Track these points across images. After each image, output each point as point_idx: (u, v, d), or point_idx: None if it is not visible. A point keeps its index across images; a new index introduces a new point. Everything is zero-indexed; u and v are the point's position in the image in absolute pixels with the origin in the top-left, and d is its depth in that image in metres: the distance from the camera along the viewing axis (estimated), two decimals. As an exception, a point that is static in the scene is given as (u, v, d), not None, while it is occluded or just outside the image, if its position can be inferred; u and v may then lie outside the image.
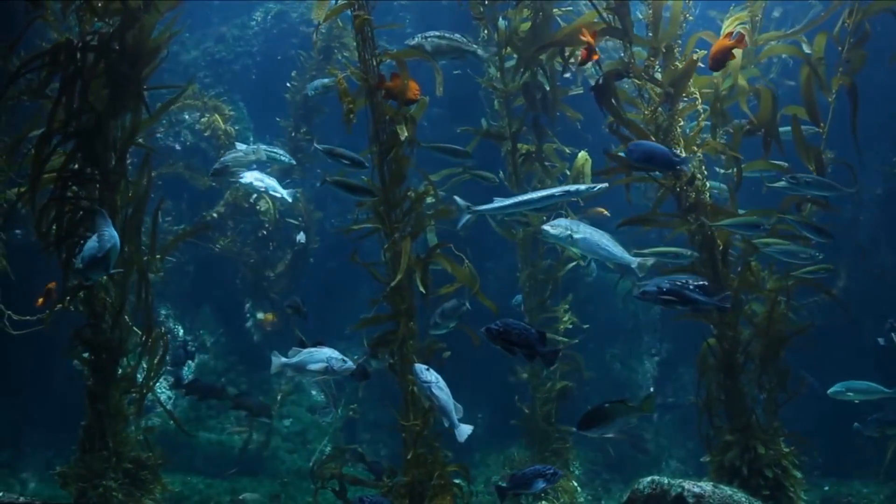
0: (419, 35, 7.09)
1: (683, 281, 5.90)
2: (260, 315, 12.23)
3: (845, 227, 9.65)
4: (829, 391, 9.16)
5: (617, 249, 6.61)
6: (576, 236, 6.54)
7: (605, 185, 7.18)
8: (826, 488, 9.83)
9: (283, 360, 6.65)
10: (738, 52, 7.35)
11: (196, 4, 13.90)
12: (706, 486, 6.12)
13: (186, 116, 12.63)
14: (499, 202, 7.18)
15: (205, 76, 13.63)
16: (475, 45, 7.31)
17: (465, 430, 5.43)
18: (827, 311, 9.24)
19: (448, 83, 9.87)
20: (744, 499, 6.09)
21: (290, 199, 10.03)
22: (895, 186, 11.24)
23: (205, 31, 14.26)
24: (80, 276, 5.99)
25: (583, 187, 6.97)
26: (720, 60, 6.73)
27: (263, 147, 9.83)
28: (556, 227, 6.67)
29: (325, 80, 10.33)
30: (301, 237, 11.48)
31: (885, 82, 9.75)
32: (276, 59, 13.33)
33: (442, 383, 5.52)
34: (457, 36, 7.19)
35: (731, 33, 6.80)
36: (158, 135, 12.47)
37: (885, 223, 11.12)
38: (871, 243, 10.57)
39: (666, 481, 6.25)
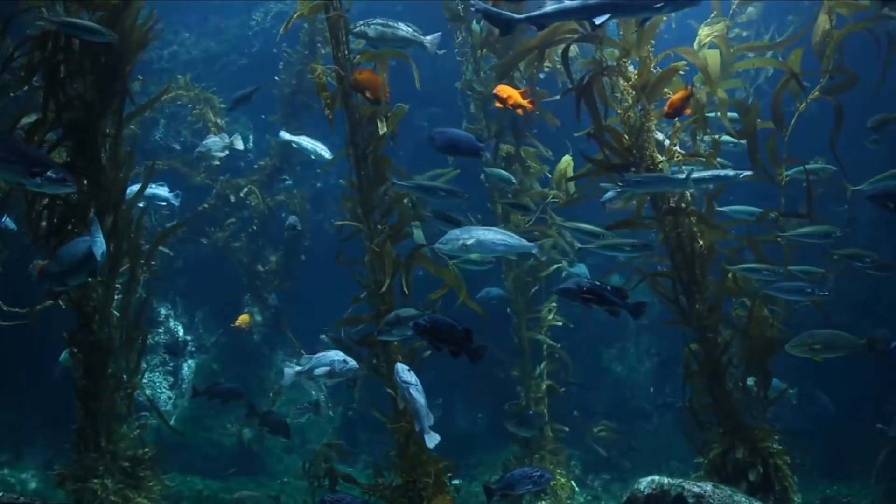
0: (361, 23, 6.89)
1: (601, 283, 6.24)
2: (256, 314, 12.29)
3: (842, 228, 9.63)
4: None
5: (514, 241, 6.51)
6: (468, 243, 6.40)
7: (750, 172, 7.15)
8: (827, 491, 9.81)
9: (297, 368, 6.63)
10: (715, 61, 7.36)
11: (196, 4, 13.93)
12: (706, 486, 6.08)
13: (178, 103, 12.62)
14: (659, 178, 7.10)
15: (204, 75, 13.63)
16: (421, 37, 7.06)
17: (434, 438, 5.40)
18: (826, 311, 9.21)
19: (447, 82, 9.91)
20: (744, 499, 6.05)
21: (176, 203, 10.11)
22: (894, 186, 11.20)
23: (204, 31, 14.28)
24: (50, 284, 5.93)
25: (731, 173, 6.87)
26: (678, 109, 6.78)
27: (306, 139, 10.53)
28: (447, 243, 6.50)
29: (245, 91, 10.50)
30: (293, 220, 11.48)
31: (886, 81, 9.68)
32: (276, 59, 13.33)
33: (420, 387, 5.50)
34: (401, 25, 6.96)
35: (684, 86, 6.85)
36: (158, 136, 12.51)
37: (885, 223, 11.07)
38: (870, 243, 10.51)
39: (666, 481, 6.20)
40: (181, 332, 12.30)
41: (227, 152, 10.21)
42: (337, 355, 6.45)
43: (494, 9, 6.42)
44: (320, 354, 6.71)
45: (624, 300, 6.09)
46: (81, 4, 6.54)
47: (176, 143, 12.71)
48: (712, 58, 7.43)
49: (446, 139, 6.45)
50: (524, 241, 6.59)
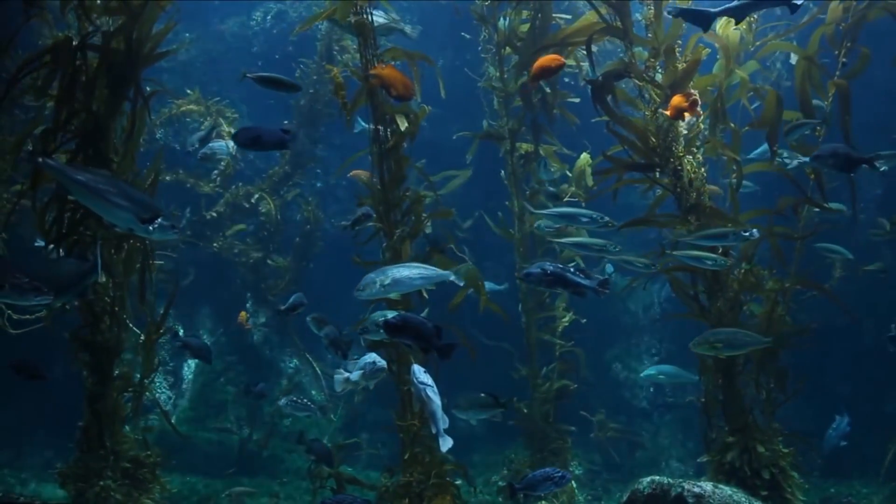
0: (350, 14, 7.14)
1: (565, 265, 6.35)
2: (257, 316, 12.33)
3: (844, 228, 9.65)
4: (642, 374, 10.46)
5: (430, 272, 6.41)
6: (386, 284, 6.29)
7: None
8: (832, 490, 9.83)
9: (346, 375, 6.60)
10: (734, 46, 7.39)
11: (196, 4, 13.89)
12: (706, 486, 6.11)
13: (188, 119, 12.64)
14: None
15: (204, 76, 13.63)
16: (403, 24, 7.61)
17: (447, 442, 5.39)
18: (827, 311, 9.22)
19: (447, 83, 9.89)
20: (744, 499, 6.08)
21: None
22: (895, 186, 11.24)
23: (204, 31, 14.25)
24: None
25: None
26: (675, 117, 6.79)
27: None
28: (364, 288, 6.35)
29: (202, 133, 10.73)
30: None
31: (888, 81, 9.71)
32: (276, 59, 13.33)
33: (436, 389, 5.50)
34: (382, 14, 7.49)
35: (688, 94, 6.73)
36: (158, 136, 12.50)
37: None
38: (870, 244, 10.55)
39: (666, 481, 6.24)
40: (181, 333, 12.29)
41: (228, 156, 10.58)
42: (368, 357, 6.44)
43: (691, 8, 6.70)
44: (360, 359, 6.71)
45: (588, 279, 6.17)
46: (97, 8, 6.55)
47: (176, 143, 12.71)
48: (733, 37, 7.50)
49: (249, 135, 6.36)
50: (440, 271, 6.51)
